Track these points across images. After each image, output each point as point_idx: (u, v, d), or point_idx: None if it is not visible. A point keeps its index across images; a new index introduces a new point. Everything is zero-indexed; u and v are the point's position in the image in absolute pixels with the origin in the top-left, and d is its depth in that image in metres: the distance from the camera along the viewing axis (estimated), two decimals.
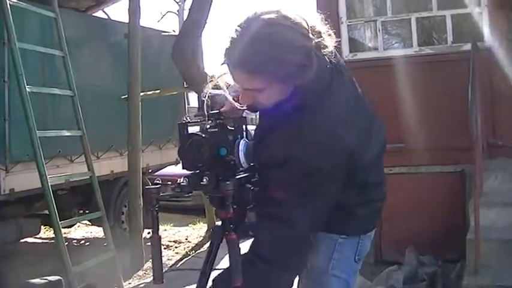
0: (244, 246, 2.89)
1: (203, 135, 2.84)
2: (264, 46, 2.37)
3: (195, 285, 3.00)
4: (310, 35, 2.47)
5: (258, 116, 2.99)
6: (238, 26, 2.46)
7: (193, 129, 2.96)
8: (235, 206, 2.83)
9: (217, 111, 2.95)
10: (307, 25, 2.48)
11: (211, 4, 8.95)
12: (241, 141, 2.84)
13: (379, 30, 8.05)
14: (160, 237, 2.88)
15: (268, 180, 2.65)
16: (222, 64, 2.51)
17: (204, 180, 2.82)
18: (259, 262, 2.62)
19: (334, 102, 2.62)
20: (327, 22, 2.62)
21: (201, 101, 2.98)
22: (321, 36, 2.55)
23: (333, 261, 2.88)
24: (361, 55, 8.13)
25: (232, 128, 2.91)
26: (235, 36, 2.44)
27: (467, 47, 6.97)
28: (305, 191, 2.52)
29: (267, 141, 2.68)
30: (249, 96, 2.59)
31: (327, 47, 2.57)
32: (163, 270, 2.97)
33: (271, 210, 2.60)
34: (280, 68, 2.39)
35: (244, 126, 2.92)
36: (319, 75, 2.50)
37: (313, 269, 2.90)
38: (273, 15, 2.42)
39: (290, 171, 2.52)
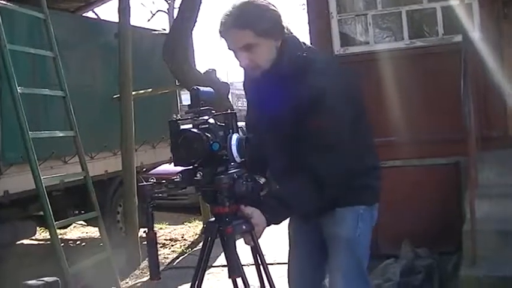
0: (240, 242, 2.90)
1: (195, 131, 2.85)
2: (249, 8, 3.11)
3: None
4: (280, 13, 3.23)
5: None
6: (231, 6, 3.15)
7: (185, 126, 2.97)
8: (229, 201, 2.85)
9: (208, 107, 2.97)
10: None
11: (201, 2, 8.95)
12: (233, 135, 2.87)
13: (369, 24, 8.04)
14: (155, 233, 2.89)
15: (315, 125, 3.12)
16: (220, 35, 3.18)
17: (198, 175, 2.84)
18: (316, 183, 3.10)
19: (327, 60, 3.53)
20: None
21: (191, 98, 3.00)
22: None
23: (358, 229, 3.45)
24: (352, 49, 8.12)
25: (223, 124, 2.93)
26: (228, 13, 3.12)
27: (458, 38, 6.97)
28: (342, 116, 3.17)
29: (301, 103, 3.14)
30: (245, 57, 3.15)
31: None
32: (160, 268, 2.98)
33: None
34: (261, 21, 3.11)
35: (235, 122, 2.94)
36: (295, 44, 3.28)
37: (343, 239, 3.45)
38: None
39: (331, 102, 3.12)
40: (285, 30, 3.24)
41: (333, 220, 3.45)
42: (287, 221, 3.68)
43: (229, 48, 3.22)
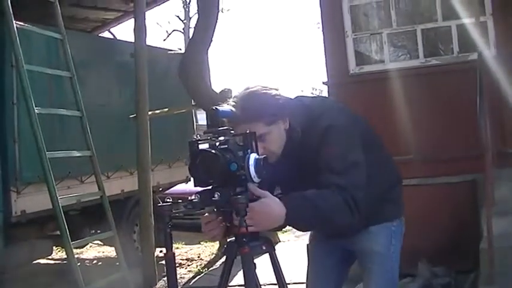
0: (258, 262, 2.90)
1: (213, 151, 2.85)
2: (253, 100, 3.18)
3: None
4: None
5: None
6: (235, 99, 3.23)
7: (203, 146, 2.97)
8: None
9: (226, 127, 2.98)
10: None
11: (216, 22, 8.99)
12: (251, 155, 2.87)
13: (384, 43, 8.06)
14: (174, 253, 2.89)
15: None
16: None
17: (216, 195, 2.84)
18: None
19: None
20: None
21: (209, 119, 3.02)
22: None
23: (392, 247, 3.64)
24: (367, 68, 8.13)
25: (242, 144, 2.93)
26: (233, 105, 3.16)
27: (474, 56, 6.97)
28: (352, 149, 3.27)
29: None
30: (260, 147, 3.08)
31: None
32: None
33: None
34: (268, 109, 3.18)
35: (254, 142, 2.95)
36: (297, 117, 3.33)
37: (377, 255, 3.60)
38: (252, 89, 3.26)
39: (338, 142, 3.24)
40: (287, 106, 3.32)
41: (366, 237, 3.58)
42: (306, 238, 3.73)
43: None
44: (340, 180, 3.12)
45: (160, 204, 2.88)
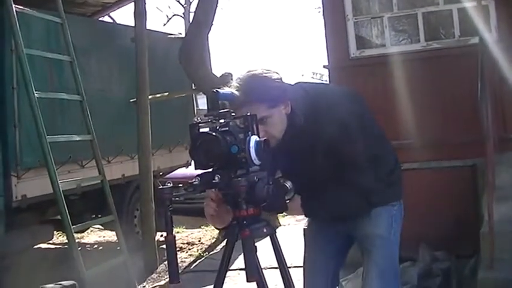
0: (259, 245, 2.89)
1: (213, 134, 2.84)
2: (256, 82, 3.23)
3: (210, 286, 3.00)
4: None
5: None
6: (237, 81, 3.26)
7: (204, 129, 2.96)
8: (249, 204, 2.85)
9: (227, 110, 2.97)
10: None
11: (216, 6, 8.96)
12: (252, 137, 2.86)
13: (385, 27, 8.02)
14: (174, 237, 2.88)
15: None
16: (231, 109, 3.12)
17: (216, 178, 2.83)
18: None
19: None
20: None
21: (210, 101, 3.01)
22: None
23: (392, 229, 3.67)
24: (368, 52, 8.10)
25: (242, 126, 2.93)
26: (236, 88, 3.18)
27: (475, 40, 6.95)
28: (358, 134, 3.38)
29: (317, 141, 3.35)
30: (260, 130, 3.07)
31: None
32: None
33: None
34: (270, 92, 3.23)
35: (254, 124, 2.94)
36: (298, 101, 3.37)
37: (378, 238, 3.63)
38: (254, 72, 3.31)
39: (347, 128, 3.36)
40: (289, 91, 3.38)
41: (368, 221, 3.61)
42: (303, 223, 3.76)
43: None
44: (363, 179, 3.39)
45: (161, 187, 2.87)
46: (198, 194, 3.01)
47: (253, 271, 2.84)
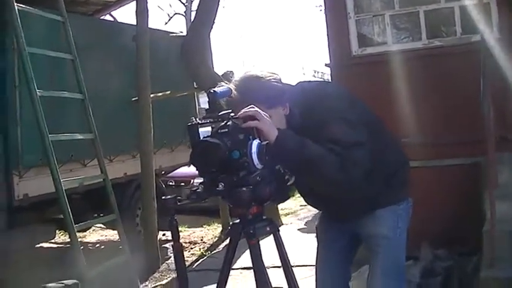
0: (264, 245, 2.90)
1: (213, 141, 2.84)
2: (253, 84, 3.25)
3: (212, 285, 3.01)
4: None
5: None
6: (234, 82, 3.27)
7: (203, 130, 2.96)
8: (252, 203, 2.87)
9: (227, 111, 2.97)
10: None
11: (218, 4, 8.96)
12: (254, 142, 2.85)
13: (387, 25, 8.02)
14: (181, 244, 2.91)
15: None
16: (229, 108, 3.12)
17: (220, 186, 2.84)
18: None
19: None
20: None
21: (208, 102, 3.01)
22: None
23: (398, 229, 3.68)
24: (370, 50, 8.10)
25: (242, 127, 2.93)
26: (233, 88, 3.18)
27: (477, 38, 6.94)
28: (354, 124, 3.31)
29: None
30: None
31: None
32: None
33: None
34: (268, 93, 3.24)
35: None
36: (297, 103, 3.37)
37: (383, 238, 3.65)
38: (252, 73, 3.34)
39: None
40: (288, 91, 3.37)
41: (372, 220, 3.65)
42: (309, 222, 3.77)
43: None
44: (341, 151, 3.15)
45: (164, 197, 2.89)
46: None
47: (263, 276, 2.88)
